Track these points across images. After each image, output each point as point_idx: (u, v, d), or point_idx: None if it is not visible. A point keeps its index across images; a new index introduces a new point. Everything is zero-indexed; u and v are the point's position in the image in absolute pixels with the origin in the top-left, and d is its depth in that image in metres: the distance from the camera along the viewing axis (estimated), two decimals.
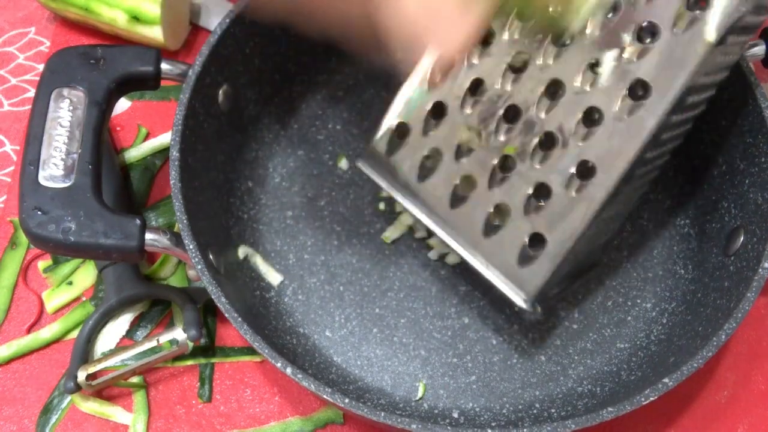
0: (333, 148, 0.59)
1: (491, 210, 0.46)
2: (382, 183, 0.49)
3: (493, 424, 0.50)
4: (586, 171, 0.43)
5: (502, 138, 0.45)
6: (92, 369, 0.50)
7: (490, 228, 0.46)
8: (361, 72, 0.61)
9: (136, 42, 0.63)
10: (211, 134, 0.53)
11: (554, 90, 0.44)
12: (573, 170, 0.43)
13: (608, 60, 0.42)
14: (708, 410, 0.52)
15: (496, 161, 0.46)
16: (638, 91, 0.41)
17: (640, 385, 0.47)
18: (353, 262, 0.55)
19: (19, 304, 0.55)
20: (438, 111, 0.47)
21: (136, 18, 0.61)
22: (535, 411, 0.51)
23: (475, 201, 0.47)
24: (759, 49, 0.52)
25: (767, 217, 0.48)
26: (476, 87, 0.46)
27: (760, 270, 0.46)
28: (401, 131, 0.48)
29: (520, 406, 0.51)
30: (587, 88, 0.43)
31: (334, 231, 0.56)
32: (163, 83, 0.51)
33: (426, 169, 0.48)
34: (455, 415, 0.51)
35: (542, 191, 0.45)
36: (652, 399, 0.42)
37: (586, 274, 0.53)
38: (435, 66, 0.44)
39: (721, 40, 0.39)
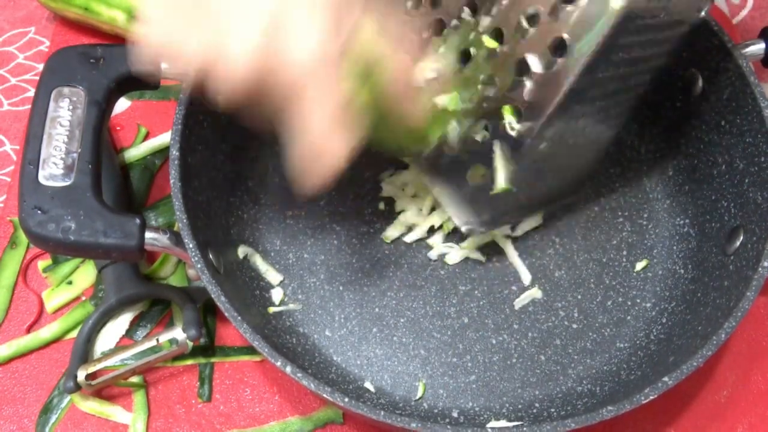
0: None
1: (442, 140, 0.49)
2: None
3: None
4: (518, 117, 0.45)
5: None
6: (92, 368, 0.50)
7: (441, 156, 0.49)
8: None
9: None
10: (210, 134, 0.53)
11: (497, 39, 0.45)
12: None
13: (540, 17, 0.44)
14: (708, 409, 0.52)
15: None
16: (558, 48, 0.43)
17: (640, 384, 0.47)
18: (353, 262, 0.55)
19: (19, 304, 0.55)
20: None
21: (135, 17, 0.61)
22: (534, 410, 0.51)
23: None
24: (759, 49, 0.52)
25: (766, 216, 0.48)
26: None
27: (759, 269, 0.46)
28: None
29: (519, 406, 0.51)
30: (520, 41, 0.44)
31: (334, 231, 0.56)
32: (162, 83, 0.51)
33: None
34: (455, 415, 0.51)
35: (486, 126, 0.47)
36: (651, 398, 0.42)
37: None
38: None
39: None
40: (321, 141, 0.38)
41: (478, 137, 0.47)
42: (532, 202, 0.54)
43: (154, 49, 0.38)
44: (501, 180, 0.47)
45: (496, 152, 0.46)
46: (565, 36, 0.42)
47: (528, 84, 0.44)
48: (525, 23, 0.43)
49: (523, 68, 0.44)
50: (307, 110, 0.37)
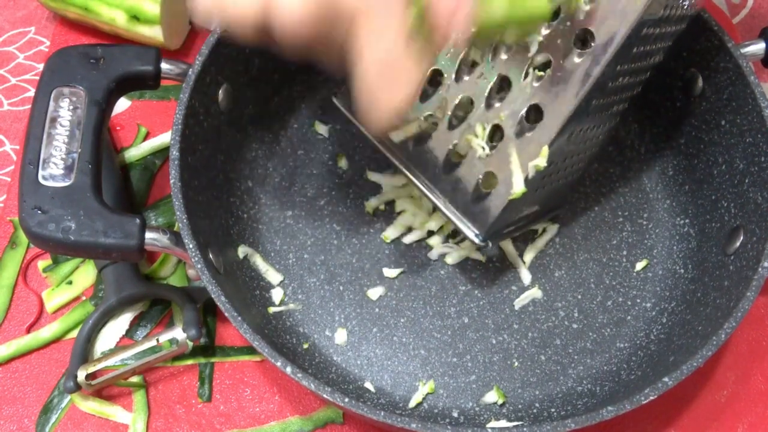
0: (333, 148, 0.59)
1: (450, 148, 0.49)
2: (353, 119, 0.51)
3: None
4: (534, 115, 0.45)
5: (461, 82, 0.48)
6: (92, 368, 0.50)
7: (450, 166, 0.49)
8: None
9: (135, 41, 0.63)
10: (211, 134, 0.53)
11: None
12: (523, 113, 0.45)
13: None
14: (708, 409, 0.52)
15: (456, 102, 0.48)
16: (583, 40, 0.43)
17: (640, 384, 0.47)
18: (353, 262, 0.55)
19: (19, 304, 0.55)
20: None
21: (135, 17, 0.61)
22: (534, 410, 0.51)
23: (436, 140, 0.49)
24: (759, 49, 0.52)
25: (766, 216, 0.48)
26: None
27: (759, 269, 0.46)
28: None
29: (519, 406, 0.51)
30: (539, 38, 0.44)
31: (334, 231, 0.56)
32: (163, 83, 0.51)
33: None
34: (455, 415, 0.51)
35: (496, 133, 0.47)
36: (651, 398, 0.42)
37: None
38: None
39: None
40: (388, 70, 0.37)
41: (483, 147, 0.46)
42: (533, 211, 0.53)
43: (210, 4, 0.37)
44: (518, 182, 0.46)
45: (512, 154, 0.46)
46: (590, 27, 0.42)
47: (547, 77, 0.43)
48: None
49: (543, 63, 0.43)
50: (372, 37, 0.36)
